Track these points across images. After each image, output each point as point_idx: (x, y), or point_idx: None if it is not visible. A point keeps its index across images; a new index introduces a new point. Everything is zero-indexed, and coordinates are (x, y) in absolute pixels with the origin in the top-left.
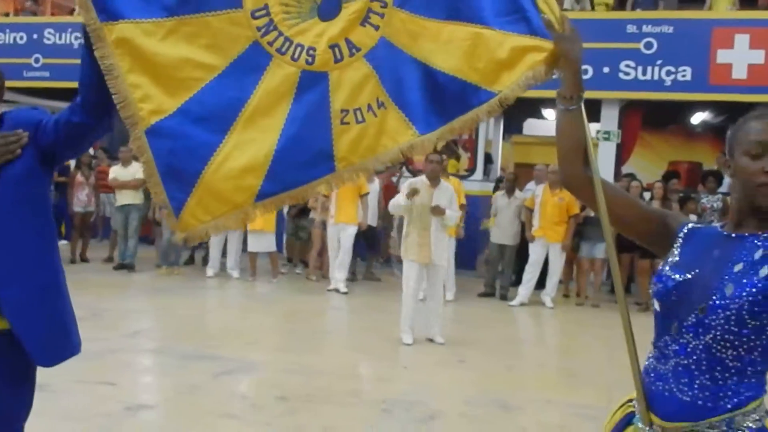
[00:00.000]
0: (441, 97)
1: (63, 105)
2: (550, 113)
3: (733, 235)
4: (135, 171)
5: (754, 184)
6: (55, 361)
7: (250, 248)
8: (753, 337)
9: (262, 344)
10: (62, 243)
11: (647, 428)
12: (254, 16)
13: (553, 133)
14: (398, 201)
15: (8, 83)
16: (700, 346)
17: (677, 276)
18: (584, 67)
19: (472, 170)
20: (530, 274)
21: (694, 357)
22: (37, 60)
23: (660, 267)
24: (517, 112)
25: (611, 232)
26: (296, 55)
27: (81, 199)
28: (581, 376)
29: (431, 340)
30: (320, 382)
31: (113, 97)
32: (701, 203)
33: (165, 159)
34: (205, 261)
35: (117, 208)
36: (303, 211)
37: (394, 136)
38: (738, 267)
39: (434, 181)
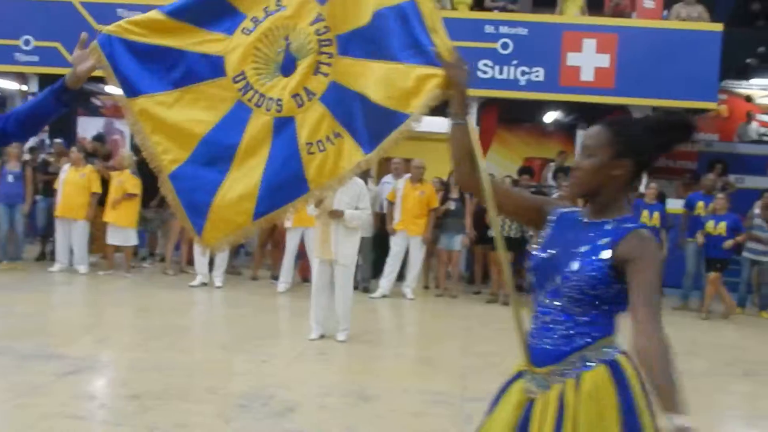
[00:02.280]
0: (375, 122)
1: None
2: None
3: (586, 220)
4: None
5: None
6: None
7: (109, 241)
8: (596, 302)
9: (112, 342)
10: None
11: (529, 378)
12: (235, 81)
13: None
14: (310, 209)
15: None
16: (558, 307)
17: (542, 254)
18: None
19: None
20: (391, 266)
21: (553, 315)
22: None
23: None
24: None
25: (498, 224)
26: (269, 107)
27: None
28: (437, 364)
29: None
30: (174, 379)
31: (143, 151)
32: (553, 197)
33: (185, 195)
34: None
35: None
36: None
37: (350, 157)
38: (584, 248)
39: None
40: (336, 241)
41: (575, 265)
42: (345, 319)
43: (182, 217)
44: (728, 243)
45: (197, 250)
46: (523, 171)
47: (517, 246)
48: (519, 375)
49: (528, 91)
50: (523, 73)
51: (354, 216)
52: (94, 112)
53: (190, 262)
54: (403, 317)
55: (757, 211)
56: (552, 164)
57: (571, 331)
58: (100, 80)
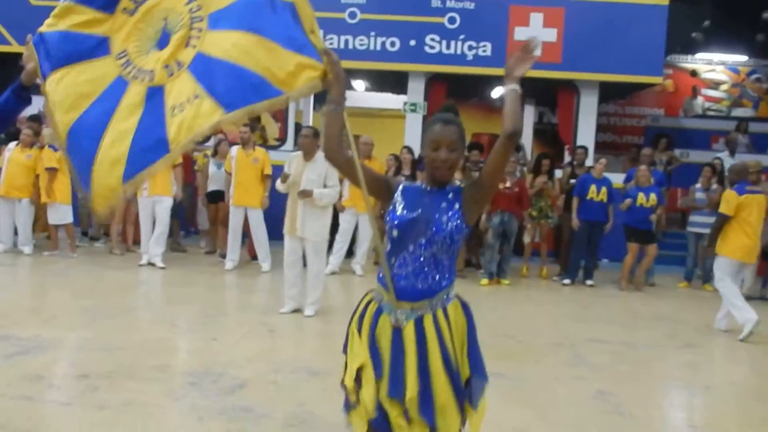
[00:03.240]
0: (244, 87)
1: None
2: (358, 84)
3: (429, 189)
4: None
5: (433, 167)
6: None
7: (50, 221)
8: (453, 250)
9: (60, 322)
10: None
11: (398, 312)
12: (118, 58)
13: (362, 104)
14: (278, 184)
15: None
16: (429, 255)
17: (409, 214)
18: (391, 39)
19: (283, 140)
20: (340, 243)
21: (426, 260)
22: None
23: (390, 210)
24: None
25: (370, 201)
26: (143, 78)
27: None
28: None
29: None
30: (123, 358)
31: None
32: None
33: (76, 157)
34: None
35: None
36: None
37: (208, 116)
38: (443, 205)
39: (307, 155)
40: (303, 218)
41: (444, 218)
42: (314, 294)
43: (78, 187)
44: (653, 216)
45: (143, 228)
46: (472, 147)
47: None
48: (378, 313)
49: (475, 66)
50: (471, 47)
51: (323, 194)
52: (34, 91)
53: (137, 241)
54: (352, 294)
55: (698, 185)
56: None
57: (438, 275)
58: None
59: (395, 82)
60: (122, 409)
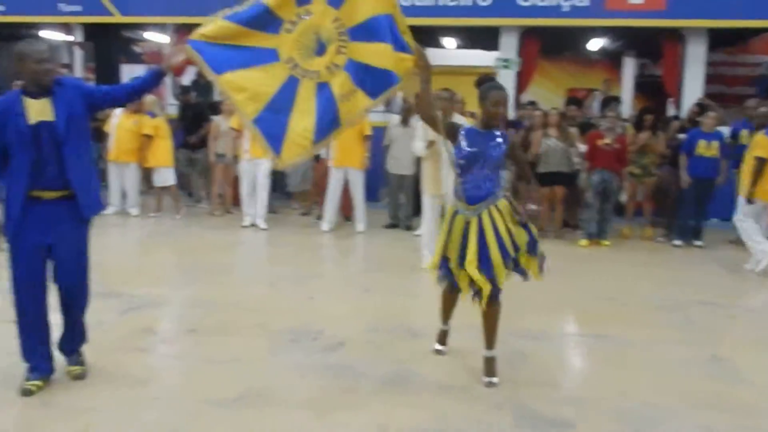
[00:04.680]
0: (380, 80)
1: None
2: (449, 42)
3: (483, 131)
4: None
5: (493, 117)
6: (95, 213)
7: (155, 184)
8: (500, 168)
9: (168, 280)
10: None
11: (467, 212)
12: (286, 63)
13: (452, 62)
14: (420, 149)
15: None
16: (488, 171)
17: (472, 149)
18: None
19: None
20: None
21: (483, 179)
22: None
23: (457, 146)
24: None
25: (450, 146)
26: (311, 76)
27: None
28: None
29: None
30: (227, 315)
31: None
32: (601, 128)
33: (265, 130)
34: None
35: None
36: (196, 145)
37: (362, 102)
38: (493, 143)
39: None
40: (447, 176)
41: (493, 153)
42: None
43: (264, 145)
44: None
45: (244, 192)
46: (570, 102)
47: (568, 181)
48: (455, 215)
49: (572, 18)
50: None
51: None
52: (136, 59)
53: (234, 202)
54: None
55: None
56: (596, 93)
57: (491, 183)
58: (140, 27)
59: (486, 38)
60: (228, 364)
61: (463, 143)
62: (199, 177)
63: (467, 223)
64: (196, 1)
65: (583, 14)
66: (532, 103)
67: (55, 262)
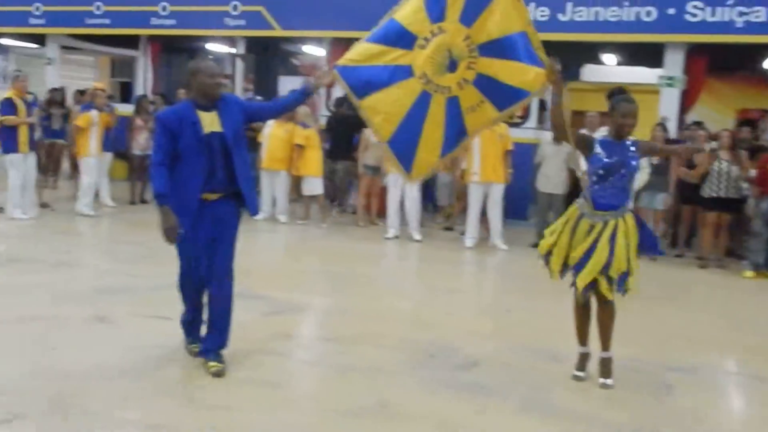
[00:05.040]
0: (505, 94)
1: (122, 51)
2: (609, 58)
3: (618, 142)
4: None
5: (623, 129)
6: (257, 212)
7: (304, 192)
8: (632, 181)
9: (311, 287)
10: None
11: (596, 217)
12: (420, 78)
13: (612, 79)
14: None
15: (71, 30)
16: (620, 183)
17: (609, 159)
18: (647, 8)
19: (525, 117)
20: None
21: (617, 189)
22: (98, 8)
23: (594, 156)
24: (573, 58)
25: (578, 158)
26: (443, 91)
27: (140, 143)
28: (635, 330)
29: None
30: (365, 326)
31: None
32: None
33: (397, 150)
34: None
35: None
36: (343, 153)
37: (489, 115)
38: (630, 153)
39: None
40: None
41: (632, 163)
42: None
43: (395, 164)
44: None
45: (391, 204)
46: (743, 123)
47: (735, 207)
48: (580, 217)
49: (746, 35)
50: (741, 13)
51: None
52: (294, 71)
53: (379, 214)
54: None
55: None
56: None
57: (624, 195)
58: (299, 41)
59: (650, 55)
60: (362, 374)
61: (601, 154)
62: (338, 187)
63: (591, 227)
64: (353, 16)
65: (759, 30)
66: (698, 124)
67: (212, 257)
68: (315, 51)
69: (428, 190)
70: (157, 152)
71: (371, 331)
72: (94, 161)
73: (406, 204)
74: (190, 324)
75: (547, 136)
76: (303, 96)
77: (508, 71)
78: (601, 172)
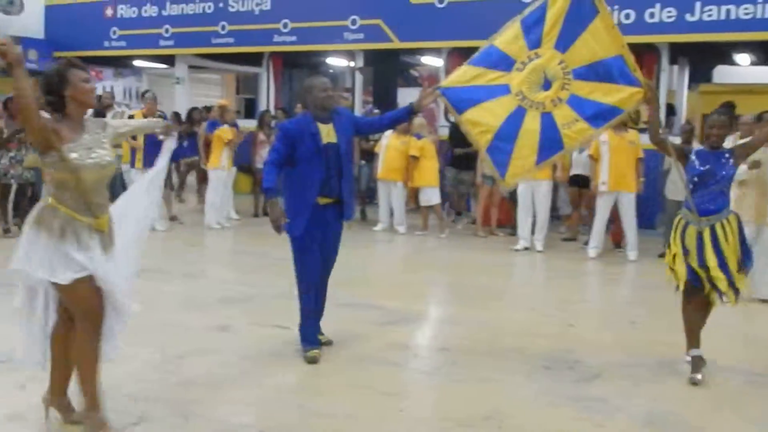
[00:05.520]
0: (602, 112)
1: (246, 69)
2: (743, 59)
3: (712, 151)
4: None
5: (708, 140)
6: (351, 217)
7: (421, 203)
8: (729, 184)
9: (427, 297)
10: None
11: (700, 223)
12: (516, 95)
13: (745, 80)
14: (747, 174)
15: (198, 50)
16: (718, 189)
17: (704, 167)
18: None
19: None
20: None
21: (714, 194)
22: (223, 27)
23: (690, 165)
24: (705, 59)
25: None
26: (537, 107)
27: (263, 157)
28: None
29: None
30: (482, 336)
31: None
32: None
33: (495, 157)
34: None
35: None
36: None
37: (584, 132)
38: (723, 161)
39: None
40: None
41: (723, 172)
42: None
43: (492, 170)
44: None
45: (521, 215)
46: None
47: None
48: (686, 225)
49: None
50: None
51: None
52: (412, 82)
53: (500, 224)
54: None
55: None
56: None
57: (721, 200)
58: (417, 52)
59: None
60: (478, 385)
61: (695, 162)
62: (462, 197)
63: (700, 233)
64: (470, 26)
65: None
66: None
67: (324, 251)
68: (433, 61)
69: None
70: (272, 153)
71: (487, 342)
72: (223, 175)
73: (537, 215)
74: (310, 328)
75: (676, 142)
76: (407, 113)
77: (602, 92)
78: (695, 179)
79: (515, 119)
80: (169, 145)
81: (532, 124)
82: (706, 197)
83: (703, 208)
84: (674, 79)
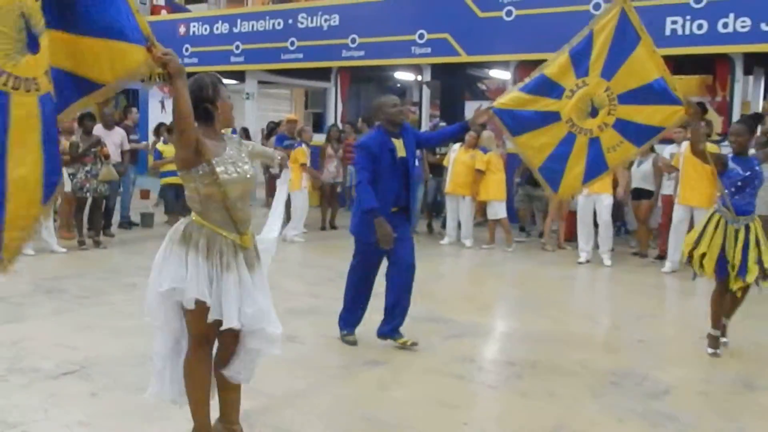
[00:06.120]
0: (642, 132)
1: (314, 83)
2: None
3: (742, 158)
4: None
5: (732, 146)
6: (415, 224)
7: (488, 216)
8: (760, 187)
9: (492, 310)
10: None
11: (738, 222)
12: (566, 122)
13: None
14: None
15: (268, 65)
16: (753, 192)
17: (746, 173)
18: None
19: (725, 135)
20: None
21: (750, 197)
22: (292, 43)
23: (730, 172)
24: None
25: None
26: (586, 133)
27: (330, 171)
28: None
29: None
30: (549, 350)
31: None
32: None
33: (547, 176)
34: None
35: None
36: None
37: (628, 151)
38: (756, 167)
39: None
40: None
41: (762, 174)
42: None
43: (545, 186)
44: None
45: (582, 228)
46: None
47: None
48: (726, 223)
49: None
50: None
51: None
52: (480, 96)
53: (568, 238)
54: None
55: None
56: None
57: (753, 201)
58: (484, 66)
59: None
60: (543, 399)
61: (737, 168)
62: (538, 213)
63: (736, 231)
64: (538, 39)
65: None
66: None
67: (395, 254)
68: (501, 75)
69: (619, 213)
70: (362, 173)
71: (553, 356)
72: (304, 194)
73: (599, 228)
74: (355, 314)
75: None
76: (462, 130)
77: (646, 114)
78: (739, 183)
79: (566, 144)
80: (286, 177)
81: (581, 149)
82: (745, 199)
83: (742, 209)
84: (749, 90)
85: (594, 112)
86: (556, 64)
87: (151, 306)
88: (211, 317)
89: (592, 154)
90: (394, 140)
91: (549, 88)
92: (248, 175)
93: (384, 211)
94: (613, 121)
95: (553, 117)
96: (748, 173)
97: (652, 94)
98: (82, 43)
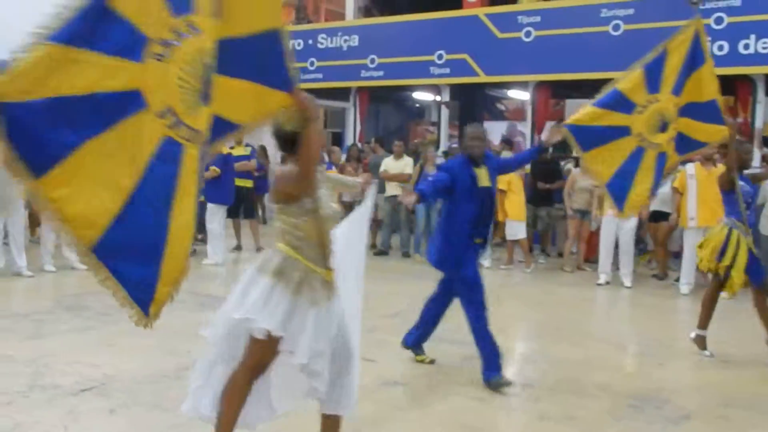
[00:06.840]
0: (688, 145)
1: (334, 103)
2: None
3: (743, 176)
4: (405, 165)
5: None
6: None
7: (507, 236)
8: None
9: (510, 332)
10: None
11: (749, 235)
12: (636, 136)
13: None
14: None
15: None
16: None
17: (751, 189)
18: None
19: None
20: None
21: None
22: (312, 63)
23: (744, 189)
24: None
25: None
26: (654, 147)
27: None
28: None
29: None
30: (567, 373)
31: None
32: None
33: (614, 193)
34: None
35: (385, 198)
36: (544, 199)
37: (672, 159)
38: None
39: None
40: None
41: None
42: None
43: (611, 203)
44: None
45: (602, 249)
46: None
47: None
48: (738, 237)
49: None
50: None
51: None
52: (499, 116)
53: (587, 260)
54: None
55: None
56: None
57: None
58: (503, 86)
59: None
60: (561, 422)
61: (747, 186)
62: (542, 234)
63: (748, 244)
64: (556, 59)
65: None
66: None
67: (467, 288)
68: (519, 95)
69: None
70: (436, 175)
71: (572, 379)
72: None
73: (620, 249)
74: (422, 338)
75: None
76: (538, 152)
77: (694, 128)
78: (749, 200)
79: (635, 158)
80: (373, 191)
81: (649, 163)
82: (750, 214)
83: (750, 223)
84: None
85: (664, 127)
86: (629, 79)
87: (216, 323)
88: (284, 348)
89: (660, 168)
90: (477, 170)
91: (621, 102)
92: (336, 212)
93: (460, 239)
94: (675, 134)
95: (622, 131)
96: (750, 189)
97: (706, 112)
98: (228, 84)
